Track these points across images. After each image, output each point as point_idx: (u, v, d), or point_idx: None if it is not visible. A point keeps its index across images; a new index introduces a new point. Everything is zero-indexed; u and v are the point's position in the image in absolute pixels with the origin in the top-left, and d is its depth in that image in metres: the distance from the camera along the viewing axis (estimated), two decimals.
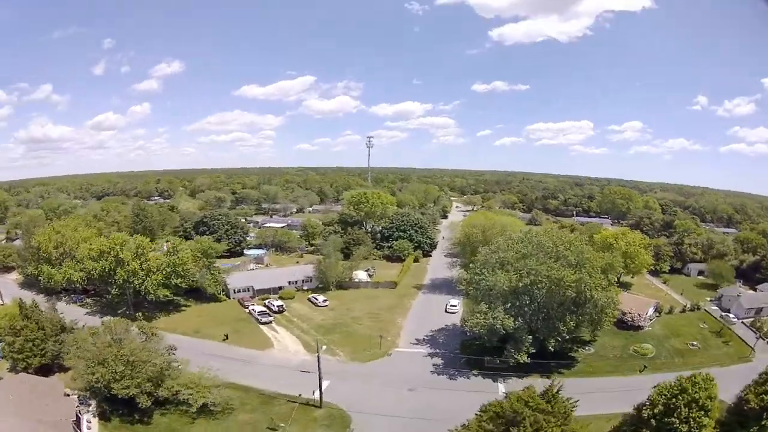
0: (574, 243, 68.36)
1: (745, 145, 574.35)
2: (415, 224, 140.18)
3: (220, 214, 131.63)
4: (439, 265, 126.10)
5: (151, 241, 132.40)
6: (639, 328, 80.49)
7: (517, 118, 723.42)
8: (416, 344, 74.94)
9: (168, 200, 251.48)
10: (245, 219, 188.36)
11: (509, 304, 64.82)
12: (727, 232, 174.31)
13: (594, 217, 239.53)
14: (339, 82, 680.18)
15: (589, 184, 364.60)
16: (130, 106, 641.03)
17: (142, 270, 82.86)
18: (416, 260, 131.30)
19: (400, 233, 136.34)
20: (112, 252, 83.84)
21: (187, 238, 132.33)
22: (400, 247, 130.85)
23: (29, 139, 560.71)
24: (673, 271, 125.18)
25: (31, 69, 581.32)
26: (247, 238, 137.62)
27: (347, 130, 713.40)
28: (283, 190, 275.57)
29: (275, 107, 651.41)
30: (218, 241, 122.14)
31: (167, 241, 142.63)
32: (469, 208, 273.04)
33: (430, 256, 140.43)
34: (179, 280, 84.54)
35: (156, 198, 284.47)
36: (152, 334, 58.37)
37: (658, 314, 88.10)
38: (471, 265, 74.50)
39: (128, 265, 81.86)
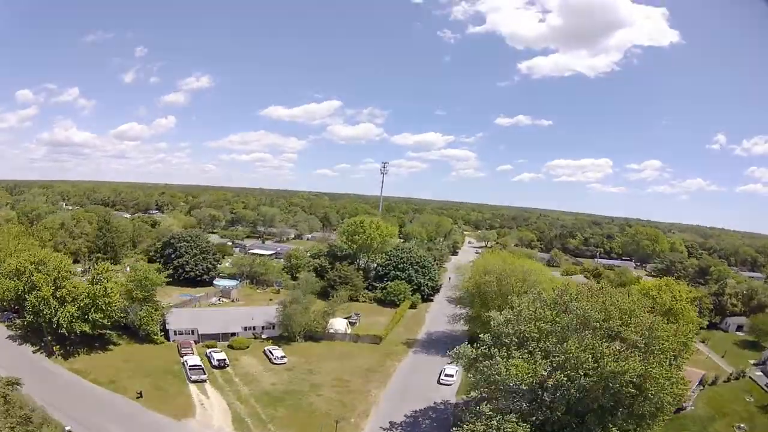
0: (636, 313, 46.96)
1: (761, 186, 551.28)
2: (417, 262, 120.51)
3: (189, 236, 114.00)
4: (440, 315, 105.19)
5: (113, 260, 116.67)
6: (681, 408, 62.25)
7: (538, 153, 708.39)
8: (388, 431, 55.38)
9: (164, 215, 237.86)
10: (233, 242, 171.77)
11: (527, 400, 45.52)
12: (753, 277, 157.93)
13: (616, 258, 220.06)
14: (364, 109, 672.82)
15: (606, 223, 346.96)
16: (156, 117, 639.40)
17: (55, 298, 66.37)
18: (413, 306, 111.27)
19: (398, 272, 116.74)
20: (26, 272, 68.97)
21: (151, 261, 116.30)
22: (394, 290, 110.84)
23: (52, 142, 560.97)
24: (710, 326, 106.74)
25: (60, 70, 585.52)
26: (220, 266, 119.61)
27: (368, 158, 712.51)
28: (284, 213, 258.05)
29: (299, 130, 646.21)
30: (182, 267, 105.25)
31: (138, 261, 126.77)
32: (483, 244, 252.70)
33: (431, 301, 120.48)
34: (99, 315, 66.88)
35: (153, 211, 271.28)
36: (4, 401, 40.91)
37: (701, 387, 71.56)
38: (481, 336, 53.73)
39: (40, 290, 65.80)
